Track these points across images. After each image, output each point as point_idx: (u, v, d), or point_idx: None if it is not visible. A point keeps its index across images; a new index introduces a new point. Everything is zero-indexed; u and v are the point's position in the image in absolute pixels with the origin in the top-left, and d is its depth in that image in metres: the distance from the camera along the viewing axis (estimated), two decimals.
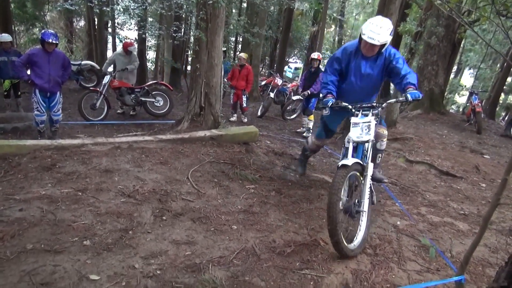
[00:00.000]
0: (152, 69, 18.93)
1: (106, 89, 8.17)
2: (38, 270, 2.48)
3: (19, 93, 8.29)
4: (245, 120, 9.42)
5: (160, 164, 4.41)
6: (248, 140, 5.66)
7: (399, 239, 3.44)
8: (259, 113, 10.19)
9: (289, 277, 2.71)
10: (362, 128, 3.28)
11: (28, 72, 6.07)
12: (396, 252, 3.20)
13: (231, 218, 3.48)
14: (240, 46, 18.84)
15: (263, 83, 14.09)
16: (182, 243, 3.00)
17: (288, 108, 10.00)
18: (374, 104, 3.48)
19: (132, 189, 3.79)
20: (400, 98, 3.42)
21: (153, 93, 8.83)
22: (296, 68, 20.69)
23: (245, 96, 9.24)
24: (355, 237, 3.13)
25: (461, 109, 19.69)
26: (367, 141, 3.30)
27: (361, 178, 3.25)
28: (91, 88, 9.45)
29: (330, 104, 3.57)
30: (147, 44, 16.47)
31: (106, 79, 8.24)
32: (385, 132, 3.76)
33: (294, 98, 9.63)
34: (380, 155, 3.84)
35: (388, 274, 2.89)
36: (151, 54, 20.98)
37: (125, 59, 8.59)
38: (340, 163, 3.09)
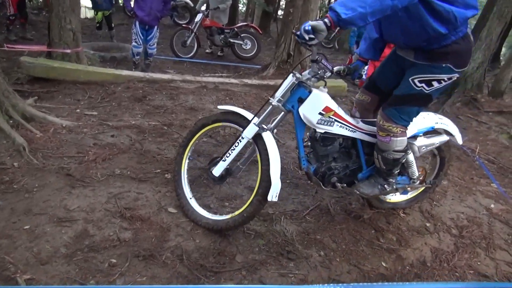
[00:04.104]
0: (243, 10, 18.72)
1: (197, 28, 8.23)
2: (124, 195, 2.64)
3: (112, 25, 8.66)
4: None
5: (243, 109, 4.37)
6: (334, 94, 5.39)
7: (490, 223, 3.11)
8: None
9: (362, 243, 2.60)
10: None
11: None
12: (485, 237, 2.90)
13: None
14: None
15: None
16: None
17: None
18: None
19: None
20: None
21: (242, 35, 8.72)
22: None
23: None
24: None
25: None
26: None
27: None
28: (183, 25, 9.60)
29: None
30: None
31: (198, 17, 8.26)
32: None
33: None
34: None
35: (472, 259, 2.64)
36: None
37: None
38: None
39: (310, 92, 2.30)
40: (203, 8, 8.73)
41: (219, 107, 2.63)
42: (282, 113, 2.39)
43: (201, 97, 4.49)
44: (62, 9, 4.60)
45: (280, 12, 17.29)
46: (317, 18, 6.13)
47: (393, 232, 2.77)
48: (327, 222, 2.75)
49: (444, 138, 2.72)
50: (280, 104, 2.31)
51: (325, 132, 2.39)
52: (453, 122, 2.83)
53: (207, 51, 9.27)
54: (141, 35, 6.21)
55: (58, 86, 4.54)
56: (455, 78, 2.23)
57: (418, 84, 2.21)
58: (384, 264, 2.45)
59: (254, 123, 2.32)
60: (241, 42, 8.69)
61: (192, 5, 12.07)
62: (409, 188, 2.81)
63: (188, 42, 8.13)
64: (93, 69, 4.80)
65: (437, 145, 2.70)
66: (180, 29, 8.42)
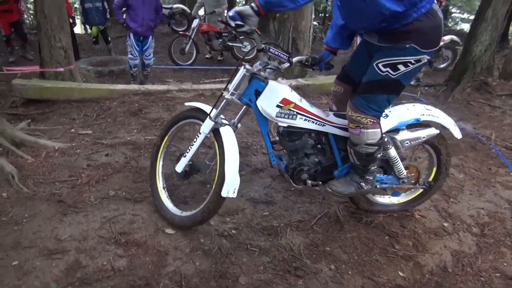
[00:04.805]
0: None
1: (195, 33, 8.10)
2: (118, 218, 2.50)
3: (109, 39, 8.59)
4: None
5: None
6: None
7: None
8: None
9: (375, 252, 2.41)
10: None
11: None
12: (509, 234, 2.68)
13: None
14: None
15: None
16: (260, 202, 2.83)
17: None
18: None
19: None
20: None
21: (241, 37, 8.56)
22: None
23: None
24: None
25: None
26: None
27: None
28: (180, 33, 9.49)
29: None
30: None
31: (195, 23, 8.13)
32: None
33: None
34: None
35: (498, 260, 2.43)
36: None
37: (213, 1, 8.34)
38: None
39: (267, 84, 2.21)
40: (201, 12, 8.60)
41: (186, 104, 2.62)
42: (244, 106, 2.32)
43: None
44: (50, 28, 4.50)
45: None
46: (312, 15, 5.94)
47: (409, 236, 2.58)
48: (337, 231, 2.57)
49: (432, 131, 2.46)
50: (233, 98, 2.24)
51: (289, 126, 2.27)
52: (445, 113, 2.55)
53: (206, 56, 9.14)
54: (136, 46, 6.09)
55: (52, 106, 4.43)
56: (426, 61, 2.02)
57: (383, 69, 2.03)
58: (401, 274, 2.26)
59: (210, 118, 2.26)
60: (240, 45, 8.52)
61: (189, 11, 11.96)
62: (398, 189, 2.61)
63: (187, 49, 8.00)
64: (86, 86, 4.69)
65: (424, 139, 2.45)
66: (178, 37, 8.31)
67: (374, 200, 2.72)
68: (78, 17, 10.64)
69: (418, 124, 2.46)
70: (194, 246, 2.31)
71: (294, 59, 2.28)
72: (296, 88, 4.99)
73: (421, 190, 2.71)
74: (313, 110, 2.29)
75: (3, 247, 2.16)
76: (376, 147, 2.22)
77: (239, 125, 2.42)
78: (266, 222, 2.61)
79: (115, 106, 4.38)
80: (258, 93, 2.22)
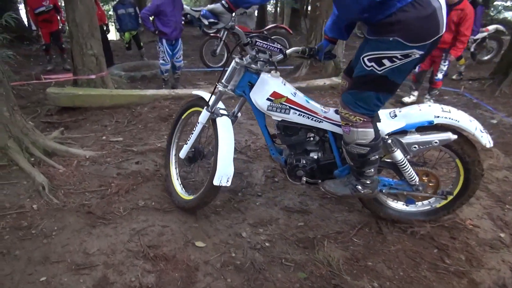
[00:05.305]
0: (272, 12, 18.43)
1: (226, 35, 8.02)
2: (147, 230, 2.41)
3: (141, 44, 8.66)
4: (430, 102, 4.43)
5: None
6: None
7: None
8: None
9: (423, 267, 2.18)
10: None
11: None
12: None
13: None
14: None
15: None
16: (295, 211, 2.66)
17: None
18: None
19: (244, 144, 3.55)
20: None
21: (272, 37, 8.39)
22: None
23: (447, 62, 4.98)
24: None
25: None
26: None
27: None
28: (211, 35, 9.45)
29: None
30: None
31: None
32: None
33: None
34: None
35: None
36: None
37: None
38: None
39: (259, 77, 2.22)
40: None
41: (192, 92, 2.72)
42: (242, 97, 2.37)
43: (228, 107, 4.23)
44: (82, 36, 4.53)
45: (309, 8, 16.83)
46: None
47: (461, 249, 2.33)
48: (379, 243, 2.36)
49: (447, 136, 2.14)
50: (226, 89, 2.28)
51: (283, 120, 2.25)
52: (470, 116, 2.21)
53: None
54: (169, 51, 6.04)
55: (85, 113, 4.46)
56: (417, 56, 1.79)
57: (368, 64, 1.85)
58: None
59: (206, 109, 2.33)
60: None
61: (234, 15, 11.93)
62: (412, 197, 2.38)
63: (218, 50, 7.91)
64: (117, 92, 4.69)
65: (437, 144, 2.15)
66: (209, 39, 8.24)
67: (385, 203, 2.51)
68: (112, 24, 10.83)
69: (432, 127, 2.19)
70: (225, 260, 2.18)
71: (289, 51, 2.24)
72: (331, 88, 4.77)
73: (445, 202, 2.44)
74: (309, 105, 2.21)
75: (32, 262, 2.12)
76: (368, 148, 2.03)
77: (239, 114, 2.51)
78: (302, 234, 2.44)
79: (146, 111, 4.34)
80: (252, 86, 2.24)
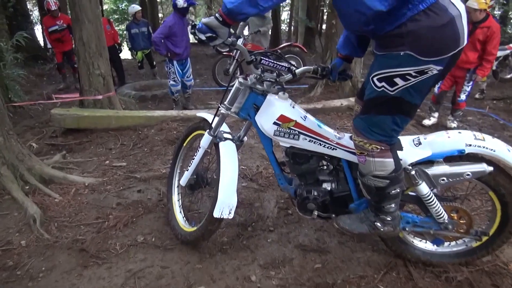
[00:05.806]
0: (286, 30, 18.40)
1: (239, 54, 7.86)
2: (145, 272, 2.14)
3: (154, 63, 8.60)
4: (454, 124, 4.93)
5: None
6: None
7: None
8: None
9: None
10: None
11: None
12: None
13: None
14: None
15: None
16: (311, 250, 2.36)
17: None
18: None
19: (256, 170, 3.29)
20: None
21: (286, 56, 8.21)
22: None
23: (471, 82, 4.66)
24: None
25: None
26: None
27: None
28: (224, 53, 9.34)
29: None
30: (281, 4, 15.89)
31: (240, 42, 7.90)
32: None
33: None
34: None
35: None
36: (284, 15, 20.40)
37: (258, 21, 8.10)
38: None
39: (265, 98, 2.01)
40: (246, 32, 8.35)
41: (197, 114, 2.52)
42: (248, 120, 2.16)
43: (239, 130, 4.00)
44: (89, 55, 4.38)
45: (324, 26, 16.72)
46: None
47: None
48: None
49: (481, 167, 1.84)
50: (229, 112, 2.07)
51: (291, 147, 2.02)
52: (507, 144, 1.91)
53: None
54: (179, 71, 5.88)
55: (90, 135, 4.27)
56: (435, 72, 1.51)
57: (378, 84, 1.60)
58: None
59: (209, 132, 2.15)
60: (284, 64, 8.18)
61: (233, 31, 11.87)
62: (440, 236, 2.07)
63: (231, 69, 7.76)
64: (124, 113, 4.50)
65: (469, 177, 1.85)
66: (222, 57, 8.10)
67: (409, 241, 2.20)
68: (124, 43, 10.85)
69: (461, 157, 1.89)
70: None
71: (299, 70, 2.01)
72: (348, 108, 4.50)
73: (479, 243, 2.12)
74: (321, 130, 1.97)
75: None
76: (388, 181, 1.75)
77: (245, 138, 2.30)
78: (319, 278, 2.14)
79: (153, 134, 4.13)
80: (257, 108, 2.03)
